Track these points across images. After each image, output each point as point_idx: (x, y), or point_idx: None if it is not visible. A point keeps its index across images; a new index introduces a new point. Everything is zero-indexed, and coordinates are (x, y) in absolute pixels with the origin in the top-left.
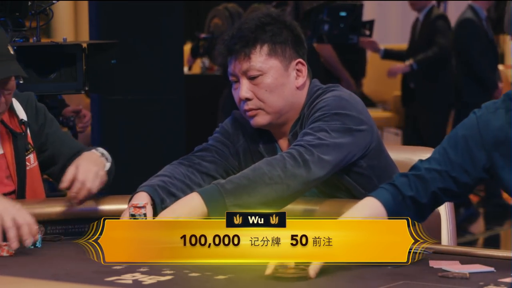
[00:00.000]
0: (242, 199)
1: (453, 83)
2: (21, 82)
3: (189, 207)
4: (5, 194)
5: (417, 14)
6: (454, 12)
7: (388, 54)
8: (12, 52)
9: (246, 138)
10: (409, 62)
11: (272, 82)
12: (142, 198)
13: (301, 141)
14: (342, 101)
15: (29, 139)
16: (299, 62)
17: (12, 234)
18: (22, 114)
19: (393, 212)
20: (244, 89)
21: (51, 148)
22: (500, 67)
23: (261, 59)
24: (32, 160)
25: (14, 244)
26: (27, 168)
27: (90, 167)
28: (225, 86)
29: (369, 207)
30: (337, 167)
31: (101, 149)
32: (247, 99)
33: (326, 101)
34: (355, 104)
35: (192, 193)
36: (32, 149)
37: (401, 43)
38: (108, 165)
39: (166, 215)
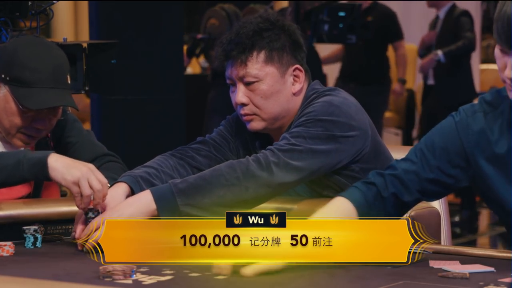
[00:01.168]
0: (195, 199)
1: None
2: (68, 112)
3: (136, 205)
4: (21, 197)
5: (436, 12)
6: None
7: (448, 55)
8: (69, 81)
9: (247, 134)
10: (435, 53)
11: (267, 89)
12: (121, 188)
13: (273, 145)
14: (331, 107)
15: (52, 144)
16: (297, 68)
17: (86, 201)
18: None
19: (364, 212)
20: (240, 94)
21: (69, 153)
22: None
23: (257, 66)
24: None
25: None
26: None
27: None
28: (212, 88)
29: (339, 207)
30: (315, 173)
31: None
32: (243, 104)
33: (314, 107)
34: (346, 109)
35: (145, 190)
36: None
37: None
38: None
39: (111, 214)
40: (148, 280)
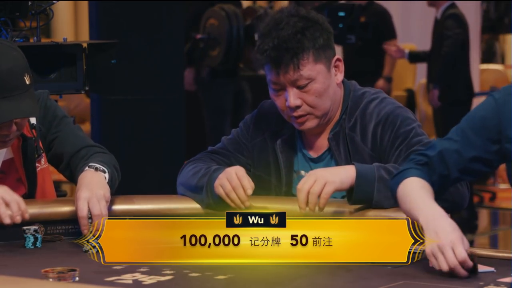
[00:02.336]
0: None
1: (467, 78)
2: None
3: (342, 172)
4: None
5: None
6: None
7: (414, 57)
8: (28, 82)
9: (267, 135)
10: (431, 87)
11: (321, 86)
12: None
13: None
14: (408, 110)
15: (40, 143)
16: (337, 58)
17: (1, 209)
18: (32, 118)
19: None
20: (293, 97)
21: (56, 146)
22: (500, 67)
23: (309, 67)
24: (42, 162)
25: (6, 220)
26: (38, 169)
27: (93, 193)
28: (214, 88)
29: (423, 187)
30: None
31: (94, 164)
32: (297, 107)
33: (398, 114)
34: None
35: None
36: (42, 152)
37: (400, 43)
38: (107, 176)
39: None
40: (148, 280)
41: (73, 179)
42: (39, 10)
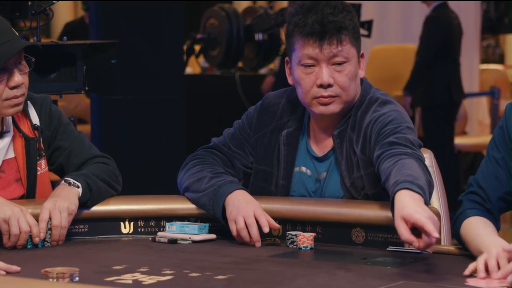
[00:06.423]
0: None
1: (446, 82)
2: (33, 60)
3: None
4: (14, 199)
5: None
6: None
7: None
8: (17, 34)
9: (271, 127)
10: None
11: (353, 70)
12: (246, 193)
13: (397, 149)
14: (406, 117)
15: (41, 144)
16: (363, 53)
17: (13, 240)
18: (35, 119)
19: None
20: (327, 75)
21: (61, 159)
22: (500, 67)
23: (348, 46)
24: (43, 165)
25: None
26: (38, 173)
27: (56, 205)
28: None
29: (490, 225)
30: None
31: (69, 179)
32: (329, 86)
33: (390, 115)
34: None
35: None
36: (43, 154)
37: (400, 43)
38: (80, 190)
39: None
40: (148, 280)
41: None
42: (39, 10)
